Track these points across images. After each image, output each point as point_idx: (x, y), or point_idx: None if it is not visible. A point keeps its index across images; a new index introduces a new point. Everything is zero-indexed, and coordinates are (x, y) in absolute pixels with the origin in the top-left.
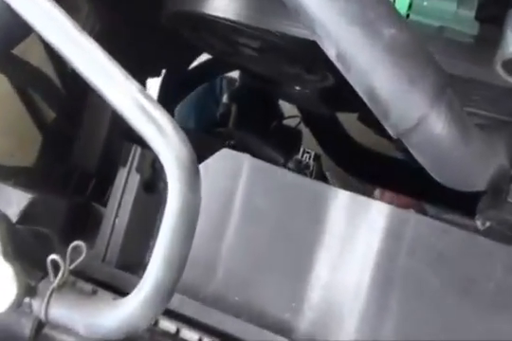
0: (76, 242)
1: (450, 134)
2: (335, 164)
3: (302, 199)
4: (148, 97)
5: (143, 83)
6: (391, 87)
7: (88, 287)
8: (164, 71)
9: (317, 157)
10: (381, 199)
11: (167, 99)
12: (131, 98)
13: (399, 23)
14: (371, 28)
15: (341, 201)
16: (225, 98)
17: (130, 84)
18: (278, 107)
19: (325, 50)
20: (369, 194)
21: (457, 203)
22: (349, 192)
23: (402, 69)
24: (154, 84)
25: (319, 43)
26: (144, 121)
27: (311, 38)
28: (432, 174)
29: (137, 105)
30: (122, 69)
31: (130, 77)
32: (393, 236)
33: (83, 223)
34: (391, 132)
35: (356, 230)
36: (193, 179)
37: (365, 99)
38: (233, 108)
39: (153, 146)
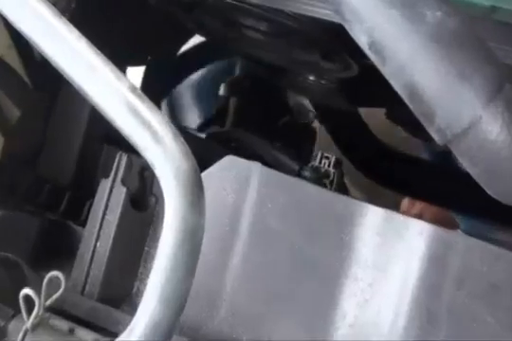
0: (52, 273)
1: (508, 140)
2: (355, 168)
3: (325, 217)
4: (141, 96)
5: (123, 72)
6: (436, 84)
7: (64, 325)
8: (149, 58)
9: (338, 163)
10: (411, 210)
11: (152, 91)
12: (119, 98)
13: (446, 4)
14: (412, 11)
15: (373, 220)
16: (222, 90)
17: (118, 80)
18: (287, 101)
19: (355, 37)
20: (396, 204)
21: (493, 213)
22: (382, 209)
23: (450, 61)
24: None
25: (346, 28)
26: (136, 126)
27: (334, 20)
28: (483, 186)
29: (127, 106)
30: (109, 61)
31: (118, 71)
32: (436, 263)
33: (58, 246)
34: (436, 137)
35: (390, 256)
36: (197, 197)
37: (404, 98)
38: (232, 102)
39: (146, 156)
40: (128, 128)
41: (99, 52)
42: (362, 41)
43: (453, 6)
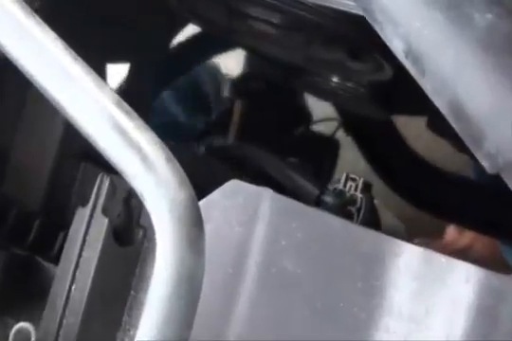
0: (21, 324)
1: None
2: (391, 189)
3: (351, 257)
4: (128, 111)
5: (102, 73)
6: (486, 100)
7: None
8: (133, 54)
9: (366, 187)
10: (458, 240)
11: (138, 96)
12: (101, 113)
13: (498, 5)
14: (458, 13)
15: (409, 261)
16: (226, 91)
17: (101, 91)
18: (304, 106)
19: (387, 42)
20: (440, 232)
21: None
22: (421, 248)
23: (503, 73)
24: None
25: (377, 30)
26: (122, 148)
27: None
28: None
29: (110, 123)
30: (89, 68)
31: (100, 79)
32: (486, 315)
33: (25, 287)
34: (485, 164)
35: (430, 306)
36: (196, 233)
37: (447, 116)
38: (237, 105)
39: (135, 185)
40: (112, 150)
41: (77, 56)
42: (397, 47)
43: (506, 6)
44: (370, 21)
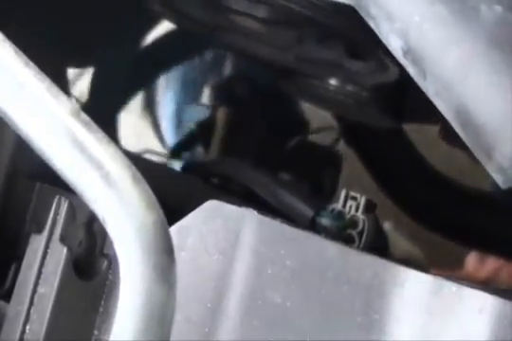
0: None
1: None
2: (400, 209)
3: (349, 288)
4: (87, 123)
5: (61, 79)
6: (496, 105)
7: None
8: (97, 56)
9: (370, 206)
10: (480, 270)
11: (103, 106)
12: (57, 126)
13: None
14: (462, 6)
15: (415, 291)
16: (206, 98)
17: (56, 101)
18: (300, 113)
19: (383, 40)
20: (460, 259)
21: None
22: (428, 276)
23: None
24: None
25: (372, 27)
26: (80, 166)
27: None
28: None
29: (67, 137)
30: (43, 74)
31: (55, 86)
32: None
33: None
34: (497, 177)
35: (442, 338)
36: (166, 263)
37: (453, 123)
38: (220, 114)
39: (95, 208)
40: (68, 167)
41: (28, 61)
42: (394, 46)
43: None
44: (363, 15)
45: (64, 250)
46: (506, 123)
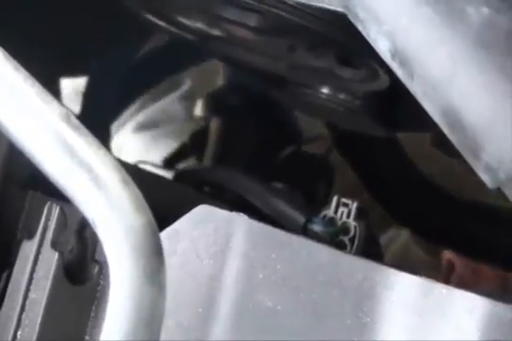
0: None
1: None
2: (394, 220)
3: (339, 291)
4: (77, 127)
5: (53, 86)
6: (484, 105)
7: None
8: (93, 65)
9: (362, 213)
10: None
11: (96, 114)
12: (46, 129)
13: None
14: (449, 7)
15: (404, 293)
16: (198, 109)
17: (45, 104)
18: (294, 123)
19: (372, 42)
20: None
21: None
22: (418, 278)
23: (503, 75)
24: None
25: (360, 30)
26: (70, 169)
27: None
28: None
29: (57, 141)
30: (31, 77)
31: (45, 91)
32: None
33: None
34: (485, 177)
35: (433, 340)
36: (156, 266)
37: (440, 124)
38: (213, 125)
39: (85, 211)
40: (58, 171)
41: (18, 66)
42: (382, 48)
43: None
44: (351, 19)
45: (56, 255)
46: (494, 123)
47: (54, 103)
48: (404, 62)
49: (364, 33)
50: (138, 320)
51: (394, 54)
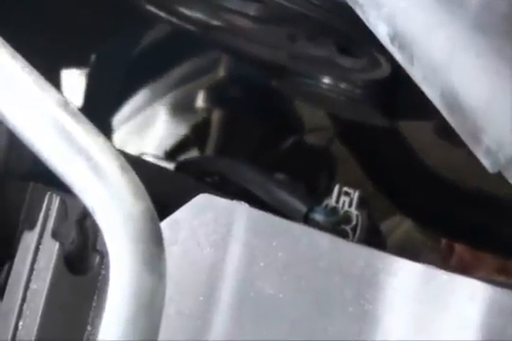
0: None
1: None
2: (396, 208)
3: (341, 278)
4: (75, 114)
5: (54, 76)
6: (483, 89)
7: None
8: (93, 57)
9: (363, 203)
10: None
11: (97, 104)
12: (44, 117)
13: None
14: None
15: (406, 280)
16: (200, 101)
17: (43, 92)
18: (295, 113)
19: (371, 27)
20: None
21: None
22: (420, 265)
23: (501, 58)
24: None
25: (360, 14)
26: (68, 157)
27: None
28: None
29: (54, 128)
30: (28, 65)
31: (42, 78)
32: (493, 334)
33: None
34: (484, 162)
35: (431, 330)
36: (156, 254)
37: (440, 109)
38: (215, 116)
39: (84, 198)
40: (57, 159)
41: (15, 53)
42: (381, 33)
43: None
44: (351, 4)
45: (56, 246)
46: (493, 106)
47: (52, 91)
48: (403, 46)
49: (363, 18)
50: (138, 307)
51: (394, 38)
